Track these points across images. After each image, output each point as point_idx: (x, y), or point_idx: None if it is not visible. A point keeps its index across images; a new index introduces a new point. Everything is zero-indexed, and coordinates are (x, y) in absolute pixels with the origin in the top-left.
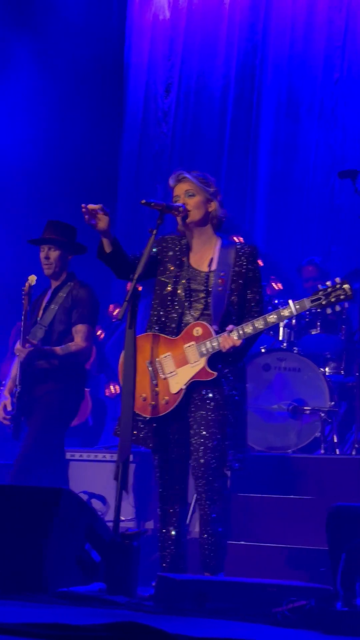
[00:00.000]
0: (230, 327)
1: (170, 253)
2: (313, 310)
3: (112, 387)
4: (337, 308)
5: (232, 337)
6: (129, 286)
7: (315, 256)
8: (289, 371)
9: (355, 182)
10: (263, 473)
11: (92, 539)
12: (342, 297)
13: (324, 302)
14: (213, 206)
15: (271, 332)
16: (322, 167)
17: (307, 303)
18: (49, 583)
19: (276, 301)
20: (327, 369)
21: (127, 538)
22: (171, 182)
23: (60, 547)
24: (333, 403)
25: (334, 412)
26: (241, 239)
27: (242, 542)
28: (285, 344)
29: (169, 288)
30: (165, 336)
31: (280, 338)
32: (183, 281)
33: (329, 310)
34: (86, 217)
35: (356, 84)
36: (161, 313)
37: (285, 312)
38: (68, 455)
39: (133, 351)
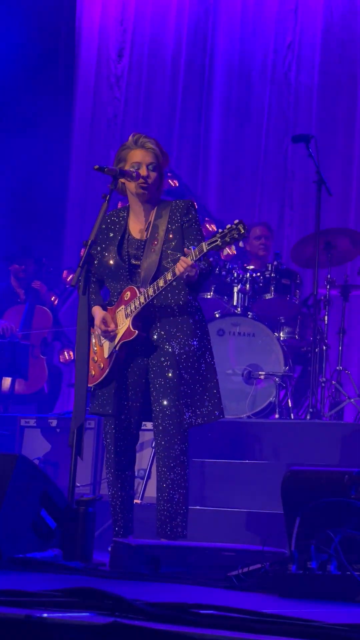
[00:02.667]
0: (186, 250)
1: (111, 234)
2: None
3: (66, 353)
4: (233, 249)
5: (184, 259)
6: (82, 252)
7: (267, 220)
8: (243, 336)
9: (309, 147)
10: (218, 438)
11: (47, 505)
12: (236, 236)
13: (219, 243)
14: (159, 183)
15: (225, 297)
16: (274, 131)
17: (204, 246)
18: (3, 549)
19: (229, 266)
20: (281, 334)
21: (83, 504)
22: (133, 143)
23: (14, 514)
24: (287, 368)
25: (289, 377)
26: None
27: (197, 507)
28: (239, 309)
29: (111, 262)
30: (108, 307)
31: (234, 303)
32: (124, 253)
33: (226, 251)
34: None
35: (309, 48)
36: (111, 288)
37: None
38: (22, 422)
39: (87, 317)
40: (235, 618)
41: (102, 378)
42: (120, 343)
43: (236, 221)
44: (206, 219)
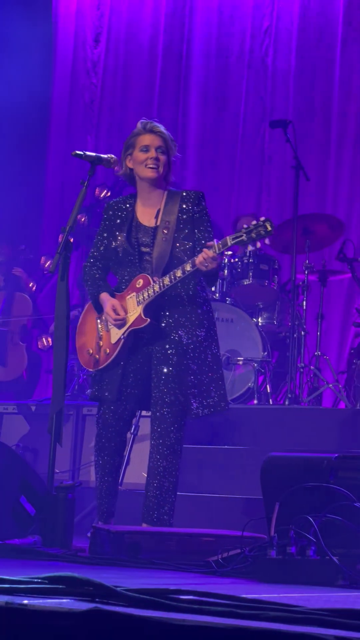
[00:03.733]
0: (209, 243)
1: (118, 221)
2: (236, 250)
3: (44, 339)
4: (258, 245)
5: (207, 252)
6: (61, 238)
7: (245, 206)
8: (222, 322)
9: (286, 132)
10: (196, 424)
11: (26, 492)
12: (262, 232)
13: (244, 238)
14: (168, 169)
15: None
16: (252, 117)
17: (229, 240)
18: None
19: None
20: (259, 320)
21: (62, 490)
22: (142, 128)
23: None
24: (266, 353)
25: (267, 363)
26: None
27: (178, 492)
28: (217, 295)
29: (119, 248)
30: (116, 293)
31: (212, 289)
32: (133, 240)
33: (250, 247)
34: None
35: (286, 33)
36: (118, 274)
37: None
38: (2, 409)
39: (65, 304)
40: (215, 603)
41: (106, 363)
42: (129, 330)
43: (262, 219)
44: None
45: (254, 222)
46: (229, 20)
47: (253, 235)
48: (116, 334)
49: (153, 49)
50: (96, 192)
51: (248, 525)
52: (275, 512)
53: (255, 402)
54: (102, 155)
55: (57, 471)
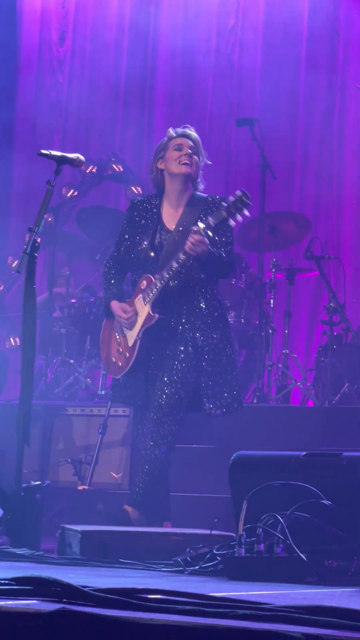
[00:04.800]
0: (195, 227)
1: (142, 222)
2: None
3: (12, 339)
4: (239, 218)
5: (192, 235)
6: (27, 238)
7: None
8: None
9: (253, 130)
10: None
11: None
12: (240, 205)
13: (225, 215)
14: (198, 172)
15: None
16: (218, 115)
17: (211, 221)
18: None
19: None
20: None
21: (30, 490)
22: (175, 132)
23: None
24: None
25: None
26: (139, 189)
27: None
28: None
29: (142, 254)
30: (126, 300)
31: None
32: (156, 242)
33: (232, 223)
34: None
35: (251, 31)
36: (137, 277)
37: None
38: None
39: (32, 303)
40: (183, 602)
41: (129, 367)
42: (142, 329)
43: (238, 192)
44: None
45: (231, 198)
46: (194, 18)
47: (232, 210)
48: (132, 337)
49: (119, 47)
50: (63, 192)
51: (216, 524)
52: (243, 511)
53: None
54: (68, 155)
55: (26, 471)
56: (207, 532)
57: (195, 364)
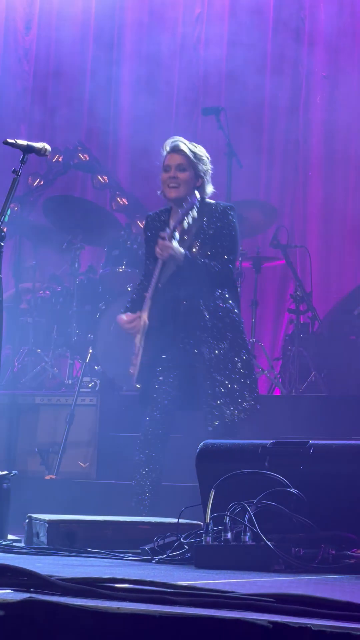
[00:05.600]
0: (162, 234)
1: (152, 232)
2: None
3: None
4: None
5: (158, 241)
6: None
7: None
8: None
9: (219, 119)
10: (133, 412)
11: None
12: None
13: (185, 225)
14: (200, 182)
15: (137, 270)
16: (184, 104)
17: (170, 224)
18: None
19: (140, 239)
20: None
21: None
22: (165, 148)
23: None
24: None
25: None
26: (105, 178)
27: (112, 481)
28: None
29: (151, 266)
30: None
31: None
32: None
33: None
34: None
35: (217, 19)
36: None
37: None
38: None
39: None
40: (150, 591)
41: (137, 373)
42: (142, 336)
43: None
44: (117, 192)
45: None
46: (160, 6)
47: (184, 211)
48: (136, 345)
49: (84, 35)
50: (29, 181)
51: (184, 513)
52: (210, 499)
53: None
54: (34, 144)
55: None
56: (175, 520)
57: (205, 376)
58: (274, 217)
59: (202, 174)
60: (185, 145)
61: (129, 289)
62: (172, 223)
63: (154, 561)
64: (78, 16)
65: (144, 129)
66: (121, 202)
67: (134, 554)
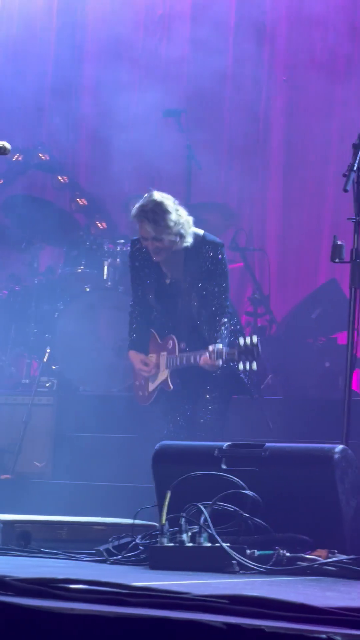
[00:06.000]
0: (210, 347)
1: (144, 271)
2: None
3: None
4: (246, 366)
5: (206, 358)
6: None
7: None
8: (114, 310)
9: (179, 121)
10: (89, 412)
11: None
12: (251, 357)
13: (235, 357)
14: (179, 239)
15: (95, 271)
16: (145, 105)
17: (223, 354)
18: None
19: (99, 240)
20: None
21: None
22: (133, 213)
23: None
24: None
25: None
26: (65, 178)
27: (69, 481)
28: (109, 283)
29: (150, 296)
30: (156, 336)
31: (105, 277)
32: (160, 289)
33: (240, 367)
34: None
35: (179, 20)
36: (154, 314)
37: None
38: None
39: None
40: (105, 592)
41: (149, 403)
42: (159, 386)
43: (253, 340)
44: (77, 193)
45: (248, 344)
46: (121, 7)
47: (243, 357)
48: (152, 384)
49: (46, 37)
50: None
51: (139, 514)
52: (166, 500)
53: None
54: None
55: None
56: (130, 521)
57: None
58: (232, 219)
59: (178, 235)
60: (148, 223)
61: (88, 290)
62: (223, 353)
63: (109, 562)
64: (40, 15)
65: (104, 130)
66: (81, 203)
67: (89, 554)
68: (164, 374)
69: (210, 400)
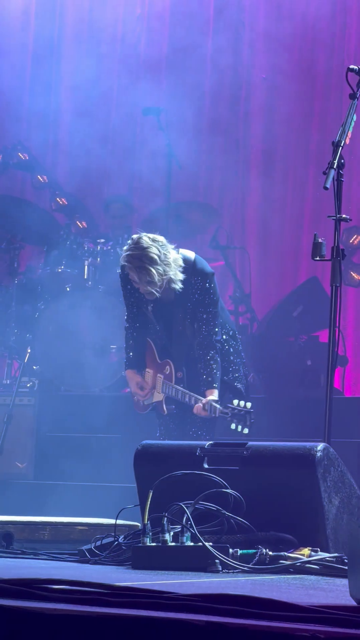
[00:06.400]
0: (204, 400)
1: (135, 296)
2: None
3: None
4: (240, 429)
5: (199, 408)
6: None
7: (120, 193)
8: (94, 310)
9: (159, 119)
10: (71, 412)
11: None
12: (244, 423)
13: (228, 417)
14: (168, 278)
15: (76, 271)
16: (125, 103)
17: (217, 411)
18: None
19: (79, 239)
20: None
21: None
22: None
23: None
24: None
25: None
26: (45, 178)
27: (50, 482)
28: (90, 283)
29: (145, 322)
30: (155, 354)
31: (85, 276)
32: (152, 317)
33: (233, 426)
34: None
35: (158, 19)
36: (150, 329)
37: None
38: None
39: None
40: (87, 592)
41: (145, 412)
42: (153, 406)
43: (250, 409)
44: (57, 192)
45: (242, 408)
46: (100, 6)
47: (236, 420)
48: (147, 399)
49: (24, 33)
50: None
51: (121, 514)
52: (148, 500)
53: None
54: None
55: None
56: (112, 521)
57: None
58: (213, 218)
59: (167, 280)
60: (133, 274)
61: (68, 289)
62: (217, 411)
63: (91, 562)
64: (18, 13)
65: (83, 128)
66: (61, 202)
67: (71, 555)
68: (159, 397)
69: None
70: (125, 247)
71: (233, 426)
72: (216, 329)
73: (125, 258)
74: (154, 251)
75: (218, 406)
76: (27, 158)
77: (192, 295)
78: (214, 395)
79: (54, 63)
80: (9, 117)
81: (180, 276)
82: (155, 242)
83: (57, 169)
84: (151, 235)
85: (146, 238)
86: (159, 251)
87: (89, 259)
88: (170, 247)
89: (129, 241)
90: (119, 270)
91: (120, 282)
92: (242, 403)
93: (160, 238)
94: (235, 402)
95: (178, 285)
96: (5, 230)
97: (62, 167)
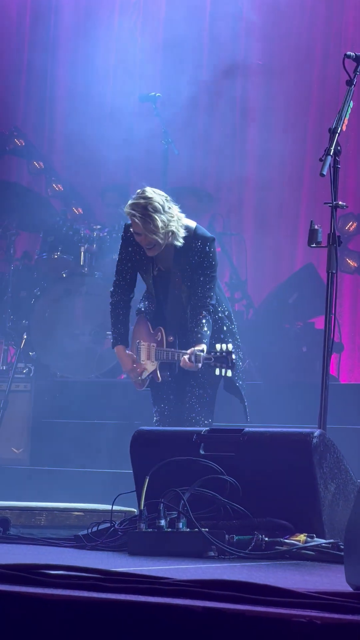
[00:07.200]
0: (190, 350)
1: (137, 257)
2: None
3: None
4: (223, 372)
5: (185, 360)
6: None
7: (116, 181)
8: (91, 296)
9: (156, 105)
10: (67, 398)
11: None
12: (225, 366)
13: (212, 362)
14: (171, 235)
15: (72, 257)
16: (121, 90)
17: (201, 358)
18: None
19: (75, 225)
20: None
21: None
22: (125, 209)
23: None
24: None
25: None
26: (41, 164)
27: (47, 468)
28: (86, 269)
29: (145, 282)
30: (149, 326)
31: (81, 263)
32: (150, 281)
33: (217, 372)
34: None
35: (154, 5)
36: (146, 303)
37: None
38: None
39: None
40: (84, 577)
41: (143, 389)
42: (149, 378)
43: (231, 350)
44: (53, 178)
45: (223, 351)
46: None
47: (219, 364)
48: (142, 372)
49: (21, 19)
50: None
51: (118, 499)
52: (145, 486)
53: (124, 376)
54: None
55: None
56: (109, 507)
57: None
58: (209, 204)
59: (170, 232)
60: (137, 222)
61: (64, 276)
62: (200, 357)
63: (88, 548)
64: (14, 4)
65: (79, 115)
66: (57, 188)
67: (68, 540)
68: (153, 365)
69: (195, 386)
70: (129, 201)
71: (217, 372)
72: (211, 293)
73: (130, 206)
74: (158, 200)
75: (202, 354)
76: (24, 144)
77: (191, 258)
78: (200, 347)
79: (50, 48)
80: (5, 103)
81: (182, 232)
82: (159, 195)
83: (54, 155)
84: (156, 189)
85: (150, 190)
86: (163, 202)
87: (85, 245)
88: (174, 204)
89: (134, 195)
90: (122, 233)
91: (122, 242)
92: (223, 346)
93: (164, 193)
94: (218, 346)
95: (179, 242)
96: (1, 217)
97: (58, 154)
